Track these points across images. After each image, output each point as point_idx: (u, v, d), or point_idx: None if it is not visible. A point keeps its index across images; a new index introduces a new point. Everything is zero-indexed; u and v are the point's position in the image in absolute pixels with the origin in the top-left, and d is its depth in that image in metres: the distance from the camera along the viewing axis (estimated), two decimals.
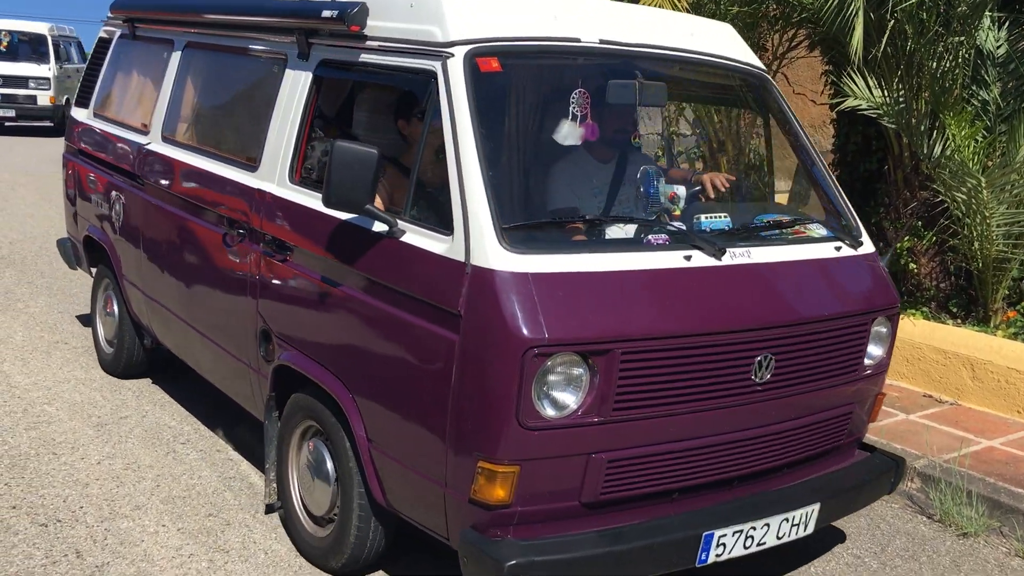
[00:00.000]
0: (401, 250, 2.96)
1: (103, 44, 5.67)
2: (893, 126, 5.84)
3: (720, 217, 3.31)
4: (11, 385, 5.10)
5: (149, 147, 4.66)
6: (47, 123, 18.81)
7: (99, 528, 3.68)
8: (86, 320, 6.37)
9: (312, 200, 3.35)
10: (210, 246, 4.06)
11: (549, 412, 2.70)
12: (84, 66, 20.25)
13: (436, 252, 2.84)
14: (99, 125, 5.41)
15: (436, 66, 2.96)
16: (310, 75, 3.55)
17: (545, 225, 3.05)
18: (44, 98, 18.55)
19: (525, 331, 2.61)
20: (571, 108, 3.15)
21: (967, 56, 5.62)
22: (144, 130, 4.79)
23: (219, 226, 3.96)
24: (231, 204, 3.88)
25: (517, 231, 2.81)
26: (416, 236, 2.94)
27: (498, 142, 3.01)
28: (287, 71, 3.68)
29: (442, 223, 2.88)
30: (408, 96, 3.44)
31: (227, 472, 4.25)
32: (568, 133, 3.18)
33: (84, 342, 5.89)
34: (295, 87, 3.60)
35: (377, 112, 3.76)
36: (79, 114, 5.73)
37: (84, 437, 4.51)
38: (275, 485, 3.68)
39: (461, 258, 2.75)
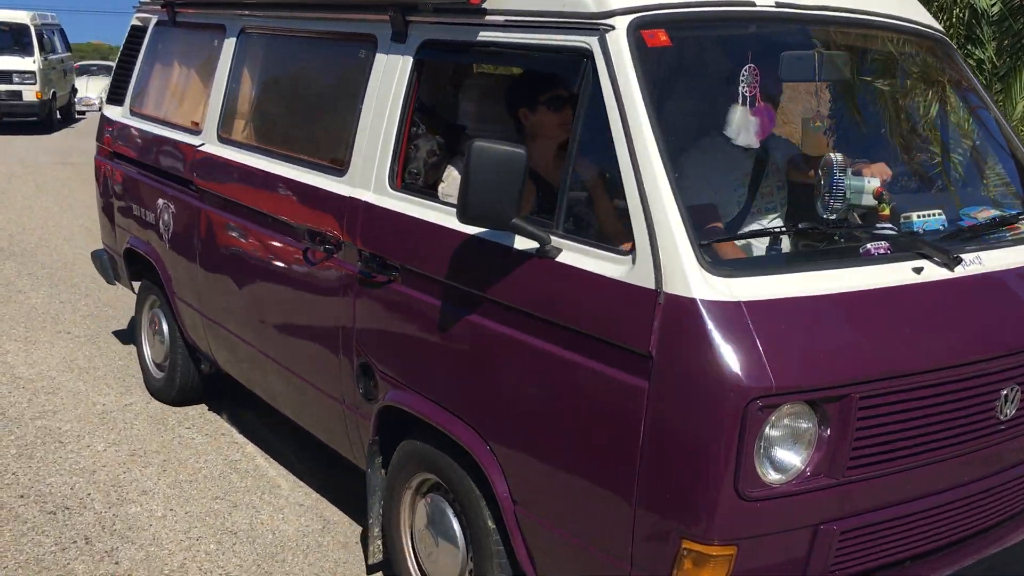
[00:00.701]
0: (557, 273, 2.38)
1: (137, 33, 5.06)
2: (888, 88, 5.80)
3: (935, 215, 2.66)
4: (15, 376, 5.12)
5: (203, 148, 4.06)
6: (33, 119, 17.42)
7: (107, 514, 3.71)
8: (94, 315, 6.38)
9: (422, 210, 2.84)
10: (287, 263, 3.49)
11: (772, 476, 2.15)
12: (67, 56, 19.98)
13: (610, 276, 2.26)
14: (138, 124, 4.81)
15: (590, 42, 2.38)
16: (410, 60, 2.95)
17: (743, 237, 2.52)
18: (30, 93, 17.08)
19: (746, 377, 2.05)
20: (741, 89, 2.52)
21: (961, 16, 5.59)
22: (195, 129, 4.19)
23: (298, 240, 3.36)
24: (313, 215, 3.29)
25: (716, 248, 2.30)
26: (577, 256, 2.35)
27: (677, 135, 2.44)
28: (378, 56, 3.07)
29: (615, 239, 2.38)
30: (541, 80, 2.91)
31: (232, 455, 4.27)
32: (743, 124, 2.54)
33: (86, 331, 5.91)
34: (390, 75, 3.00)
35: (487, 100, 3.28)
36: (112, 112, 5.13)
37: (89, 425, 4.53)
38: (380, 542, 3.16)
39: (648, 284, 2.17)
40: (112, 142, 5.08)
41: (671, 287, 2.13)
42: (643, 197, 2.21)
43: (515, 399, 2.52)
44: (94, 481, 3.97)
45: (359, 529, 3.66)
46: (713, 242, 2.32)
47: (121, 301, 6.54)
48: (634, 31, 2.35)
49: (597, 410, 2.29)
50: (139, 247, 4.75)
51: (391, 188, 2.98)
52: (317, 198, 3.27)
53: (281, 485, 4.00)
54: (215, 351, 4.26)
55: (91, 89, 23.94)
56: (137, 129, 4.81)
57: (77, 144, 16.20)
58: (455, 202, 2.47)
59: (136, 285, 5.07)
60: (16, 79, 16.89)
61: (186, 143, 4.21)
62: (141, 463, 4.15)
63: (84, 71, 24.94)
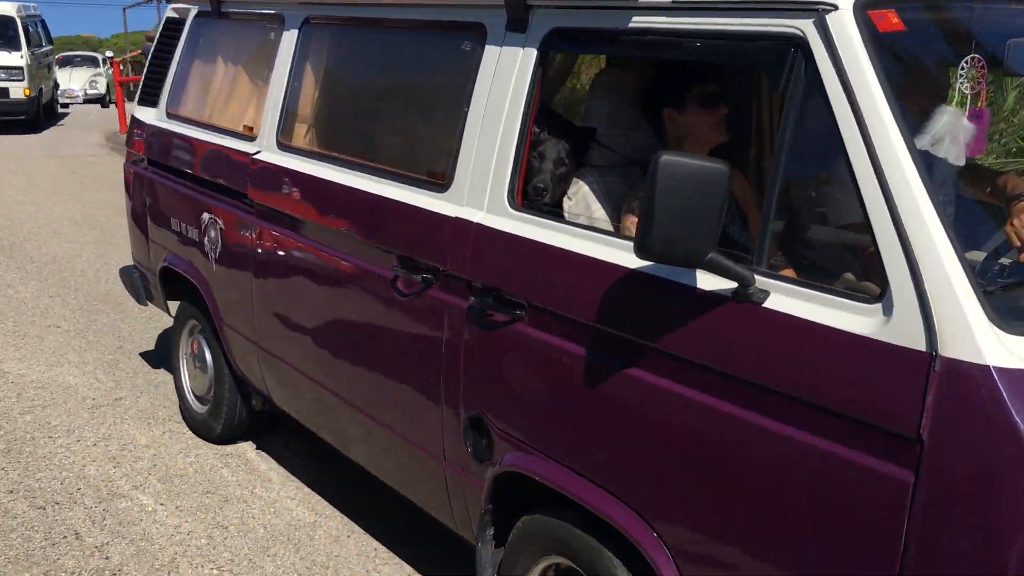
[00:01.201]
0: (765, 323, 1.87)
1: (173, 26, 4.47)
2: None
3: None
4: (4, 371, 5.09)
5: (260, 157, 3.50)
6: (21, 117, 16.27)
7: (97, 509, 3.69)
8: (83, 309, 6.35)
9: (558, 235, 2.31)
10: (368, 292, 2.99)
11: None
12: (49, 49, 19.53)
13: (850, 331, 1.74)
14: (177, 128, 4.23)
15: (803, 27, 1.89)
16: (532, 52, 2.42)
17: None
18: (18, 90, 15.90)
19: None
20: (960, 86, 1.99)
21: None
22: (248, 135, 3.65)
23: (383, 266, 2.83)
24: (404, 237, 2.75)
25: (1003, 295, 1.78)
26: (794, 301, 1.84)
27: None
28: (488, 49, 2.54)
29: (850, 280, 1.96)
30: (693, 74, 2.52)
31: (223, 449, 4.25)
32: (952, 131, 1.94)
33: (76, 325, 5.88)
34: (506, 71, 2.48)
35: (621, 98, 2.79)
36: (145, 114, 4.55)
37: (79, 420, 4.51)
38: None
39: (915, 344, 1.65)
40: (146, 148, 4.50)
41: (951, 349, 1.60)
42: (898, 224, 1.68)
43: (697, 479, 2.02)
44: (84, 476, 3.95)
45: (350, 523, 3.65)
46: (1000, 288, 1.79)
47: (112, 296, 6.52)
48: (861, 12, 1.86)
49: (827, 503, 1.77)
50: (179, 266, 4.20)
51: (510, 207, 2.43)
52: (409, 218, 2.74)
53: (272, 479, 3.98)
54: (272, 387, 3.73)
55: (74, 80, 23.55)
56: (176, 134, 4.22)
57: (65, 137, 16.15)
58: (586, 222, 2.22)
59: (172, 306, 4.56)
60: (3, 75, 15.82)
61: (238, 150, 3.66)
62: (132, 458, 4.14)
63: (67, 62, 24.31)
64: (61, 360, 5.29)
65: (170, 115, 4.35)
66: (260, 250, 3.54)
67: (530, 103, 2.42)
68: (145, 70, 4.70)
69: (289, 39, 3.48)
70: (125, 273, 4.98)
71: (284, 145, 3.44)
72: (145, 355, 5.39)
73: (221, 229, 3.79)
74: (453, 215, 2.57)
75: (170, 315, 4.60)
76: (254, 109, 3.70)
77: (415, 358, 2.76)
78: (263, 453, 4.23)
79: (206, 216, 3.90)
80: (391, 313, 2.86)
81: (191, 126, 4.13)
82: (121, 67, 18.86)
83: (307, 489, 3.91)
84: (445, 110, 2.75)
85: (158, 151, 4.39)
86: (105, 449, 4.21)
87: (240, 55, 3.99)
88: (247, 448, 4.27)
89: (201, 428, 4.35)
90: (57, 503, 3.72)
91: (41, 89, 17.24)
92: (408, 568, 3.38)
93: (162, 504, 3.75)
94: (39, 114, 17.03)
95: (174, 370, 4.60)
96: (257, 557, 3.41)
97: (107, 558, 3.36)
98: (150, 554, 3.40)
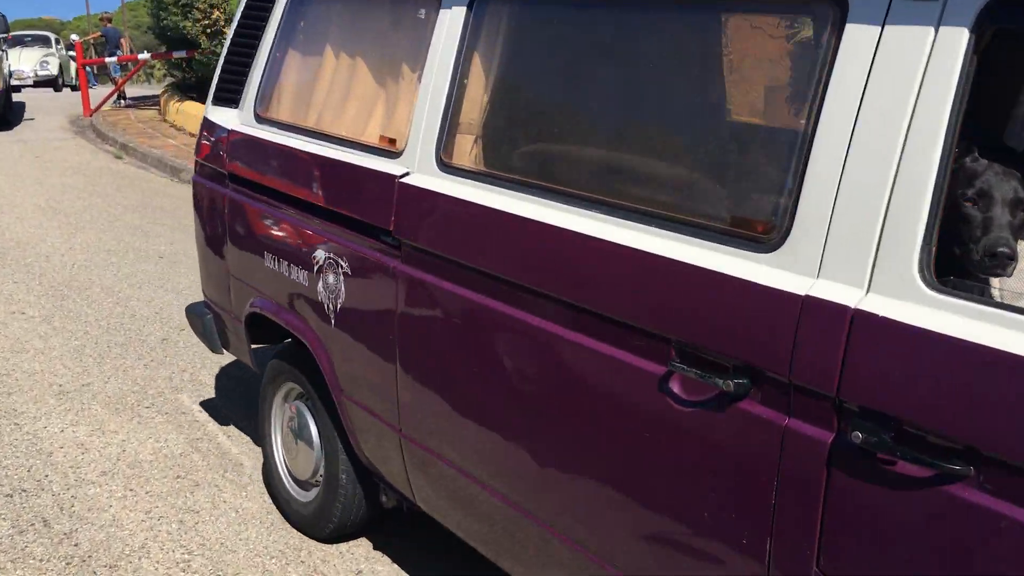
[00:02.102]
0: None
1: (259, 5, 3.49)
2: None
3: None
4: None
5: (411, 181, 2.54)
6: None
7: (66, 496, 3.64)
8: (49, 295, 6.26)
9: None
10: (615, 392, 2.01)
11: None
12: (4, 36, 18.63)
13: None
14: (273, 136, 3.26)
15: None
16: (962, 35, 1.47)
17: None
18: None
19: None
20: None
21: None
22: (388, 149, 2.70)
23: (648, 355, 1.91)
24: (695, 319, 1.83)
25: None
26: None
27: None
28: (848, 30, 1.63)
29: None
30: None
31: (194, 434, 4.21)
32: None
33: (41, 311, 5.79)
34: (903, 64, 1.55)
35: None
36: (224, 117, 3.58)
37: (46, 406, 4.44)
38: None
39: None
40: (226, 159, 3.52)
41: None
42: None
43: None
44: (52, 463, 3.90)
45: None
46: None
47: (77, 281, 6.43)
48: None
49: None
50: (276, 314, 3.29)
51: (924, 283, 1.50)
52: (700, 291, 1.81)
53: (244, 463, 3.95)
54: (419, 487, 2.81)
55: (24, 61, 22.46)
56: (272, 144, 3.25)
57: (26, 121, 15.86)
58: None
59: (251, 345, 3.64)
60: None
61: (372, 171, 2.69)
62: (100, 444, 4.08)
63: (17, 42, 23.01)
64: (26, 346, 5.21)
65: (261, 118, 3.39)
66: (412, 308, 2.58)
67: (955, 114, 1.49)
68: (221, 60, 3.64)
69: (451, 23, 2.51)
70: (194, 314, 4.00)
71: (450, 166, 2.47)
72: (112, 341, 5.32)
73: (345, 274, 2.83)
74: (800, 292, 1.63)
75: (255, 369, 3.68)
76: (392, 113, 2.82)
77: (709, 499, 1.84)
78: (235, 438, 4.19)
79: (321, 254, 2.94)
80: (658, 425, 1.91)
81: (293, 134, 3.18)
82: (84, 49, 18.52)
83: None
84: (775, 122, 1.98)
85: (245, 164, 3.42)
86: (73, 435, 4.15)
87: (369, 43, 3.10)
88: (217, 432, 4.23)
89: (303, 522, 3.41)
90: (24, 490, 3.67)
91: (7, 82, 15.58)
92: (379, 550, 3.37)
93: (131, 490, 3.70)
94: (8, 109, 15.26)
95: (263, 440, 3.67)
96: (229, 541, 3.38)
97: (76, 545, 3.32)
98: (120, 540, 3.36)
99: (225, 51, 3.62)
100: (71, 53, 22.14)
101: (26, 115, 16.63)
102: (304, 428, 3.34)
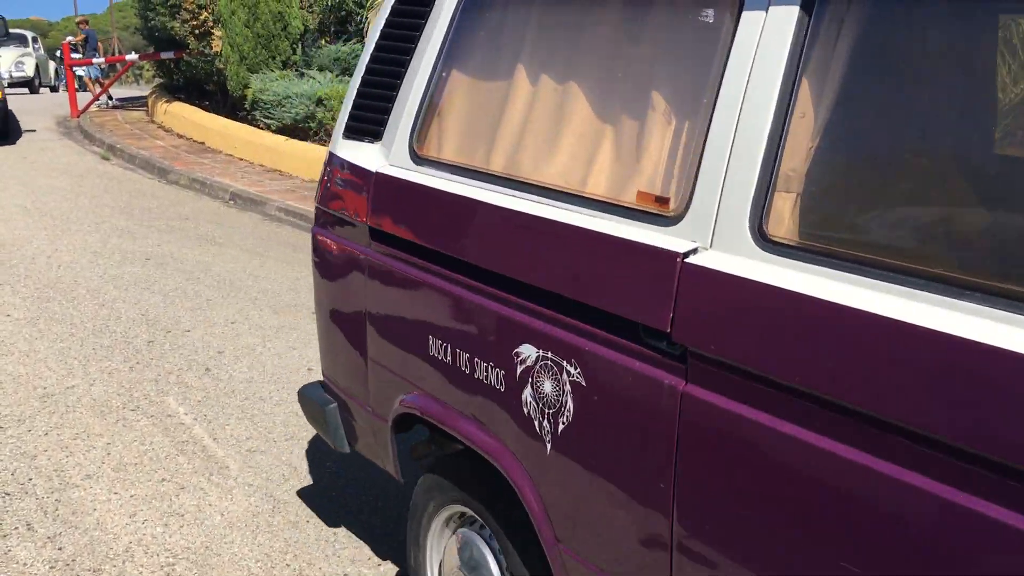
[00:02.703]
0: None
1: (411, 9, 2.66)
2: None
3: None
4: None
5: (704, 264, 1.70)
6: None
7: (49, 499, 3.62)
8: (34, 297, 6.21)
9: None
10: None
11: None
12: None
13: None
14: (444, 184, 2.41)
15: None
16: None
17: None
18: None
19: None
20: None
21: None
22: (654, 213, 1.88)
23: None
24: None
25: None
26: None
27: None
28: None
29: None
30: None
31: (179, 436, 4.19)
32: None
33: (26, 313, 5.76)
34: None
35: None
36: (361, 155, 2.73)
37: (30, 409, 4.41)
38: None
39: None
40: (369, 210, 2.67)
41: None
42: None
43: None
44: (35, 466, 3.87)
45: (308, 509, 3.61)
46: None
47: (62, 283, 6.39)
48: None
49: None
50: (442, 418, 2.45)
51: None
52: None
53: (230, 466, 3.93)
54: None
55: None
56: (444, 194, 2.39)
57: (12, 121, 15.78)
58: None
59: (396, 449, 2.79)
60: None
61: (631, 243, 1.85)
62: (84, 447, 4.06)
63: None
64: (11, 349, 5.18)
65: (421, 159, 2.55)
66: (703, 449, 1.72)
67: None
68: (356, 80, 2.83)
69: (776, 24, 1.68)
70: (311, 399, 3.11)
71: (777, 242, 1.63)
72: (98, 344, 5.29)
73: (575, 384, 1.99)
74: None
75: (400, 479, 2.83)
76: (642, 157, 2.00)
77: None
78: (220, 440, 4.17)
79: (530, 352, 2.11)
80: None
81: (475, 181, 2.35)
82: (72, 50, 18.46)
83: (265, 475, 3.87)
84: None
85: (399, 219, 2.57)
86: (57, 438, 4.13)
87: (584, 55, 2.25)
88: (203, 435, 4.21)
89: None
90: (7, 494, 3.64)
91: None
92: (368, 550, 3.36)
93: (116, 493, 3.68)
94: (6, 123, 13.75)
95: (410, 568, 2.85)
96: (214, 544, 3.36)
97: (60, 548, 3.30)
98: (104, 544, 3.34)
99: (361, 69, 2.80)
100: (59, 54, 21.97)
101: (12, 118, 16.56)
102: (480, 568, 2.49)
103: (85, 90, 18.28)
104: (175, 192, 10.15)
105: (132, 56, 17.42)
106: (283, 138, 11.13)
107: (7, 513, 3.51)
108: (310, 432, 4.13)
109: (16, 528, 3.41)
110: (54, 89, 24.06)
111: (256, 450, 4.08)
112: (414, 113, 2.59)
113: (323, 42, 13.47)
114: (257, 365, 5.04)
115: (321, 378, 3.16)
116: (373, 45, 2.77)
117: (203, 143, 12.75)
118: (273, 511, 3.59)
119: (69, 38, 20.52)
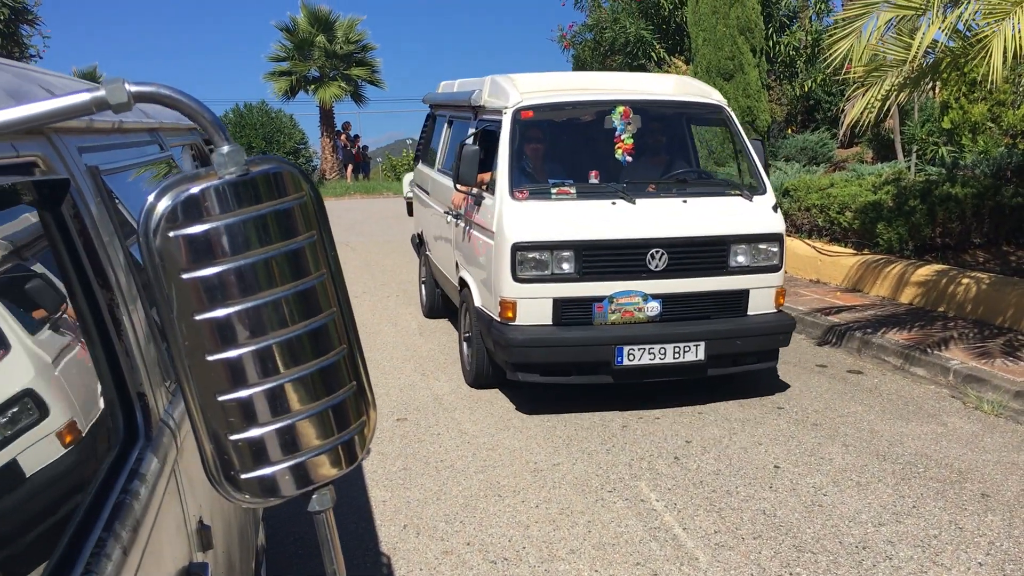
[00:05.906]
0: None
1: None
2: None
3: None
4: (462, 431, 5.74)
5: None
6: None
7: (539, 568, 4.00)
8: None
9: None
10: None
11: None
12: None
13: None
14: None
15: None
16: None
17: None
18: None
19: None
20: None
21: None
22: None
23: None
24: None
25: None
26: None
27: None
28: None
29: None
30: None
31: (652, 522, 4.40)
32: None
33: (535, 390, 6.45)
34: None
35: None
36: None
37: (524, 481, 4.93)
38: None
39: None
40: None
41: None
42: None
43: None
44: (528, 536, 4.31)
45: None
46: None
47: None
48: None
49: None
50: None
51: None
52: None
53: (699, 558, 4.04)
54: None
55: None
56: None
57: None
58: None
59: None
60: None
61: None
62: (569, 522, 4.43)
63: None
64: (507, 424, 5.84)
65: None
66: None
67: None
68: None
69: None
70: None
71: None
72: (579, 424, 5.74)
73: None
74: None
75: None
76: None
77: None
78: (690, 529, 4.30)
79: None
80: None
81: None
82: None
83: (733, 572, 3.91)
84: None
85: None
86: (546, 511, 4.55)
87: None
88: (674, 524, 4.37)
89: None
90: (506, 559, 4.09)
91: None
92: None
93: (596, 571, 3.96)
94: None
95: None
96: None
97: None
98: None
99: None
100: None
101: None
102: None
103: None
104: None
105: None
106: None
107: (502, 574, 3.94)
108: (777, 533, 4.09)
109: None
110: None
111: (724, 545, 4.14)
112: None
113: (788, 131, 13.51)
114: (724, 457, 5.13)
115: None
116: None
117: None
118: None
119: None
